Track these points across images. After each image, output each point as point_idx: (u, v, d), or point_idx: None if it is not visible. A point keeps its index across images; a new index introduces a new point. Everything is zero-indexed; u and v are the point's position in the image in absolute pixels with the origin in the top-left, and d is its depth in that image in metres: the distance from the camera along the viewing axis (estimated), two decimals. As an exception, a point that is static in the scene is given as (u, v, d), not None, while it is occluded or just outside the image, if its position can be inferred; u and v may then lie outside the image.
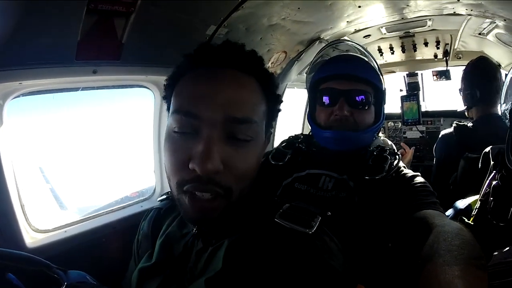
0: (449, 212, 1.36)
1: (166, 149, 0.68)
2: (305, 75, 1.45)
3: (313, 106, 1.31)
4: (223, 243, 0.71)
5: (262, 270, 0.63)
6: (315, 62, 1.42)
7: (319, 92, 1.26)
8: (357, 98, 1.20)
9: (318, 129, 1.26)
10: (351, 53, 1.38)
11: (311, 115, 1.32)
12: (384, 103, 1.31)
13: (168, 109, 0.74)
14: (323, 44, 2.22)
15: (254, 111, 0.68)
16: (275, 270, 0.62)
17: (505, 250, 0.91)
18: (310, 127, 1.35)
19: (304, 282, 0.60)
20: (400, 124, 3.35)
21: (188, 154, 0.63)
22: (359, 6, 1.88)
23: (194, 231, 0.77)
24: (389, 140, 2.36)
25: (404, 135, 3.38)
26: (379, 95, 1.26)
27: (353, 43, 1.46)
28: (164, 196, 0.97)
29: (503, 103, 1.36)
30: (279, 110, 0.82)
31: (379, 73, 1.29)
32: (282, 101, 0.82)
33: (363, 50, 1.40)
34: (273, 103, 0.77)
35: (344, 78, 1.20)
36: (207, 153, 0.61)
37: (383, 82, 1.30)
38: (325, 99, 1.23)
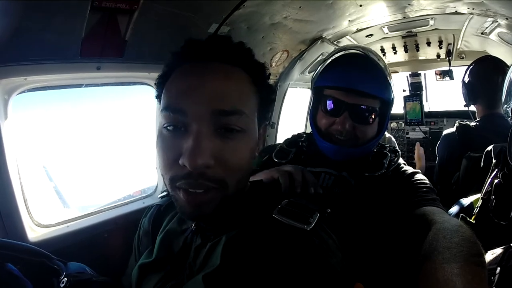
0: (454, 209, 1.35)
1: (158, 147, 0.68)
2: (307, 74, 1.42)
3: (316, 108, 1.25)
4: (221, 239, 0.71)
5: (259, 267, 0.63)
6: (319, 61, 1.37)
7: (323, 97, 1.20)
8: (361, 114, 1.15)
9: (317, 135, 1.22)
10: (360, 53, 1.25)
11: (313, 117, 1.27)
12: (390, 112, 1.24)
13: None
14: (325, 43, 2.23)
15: (243, 103, 0.68)
16: (272, 267, 0.62)
17: (492, 256, 0.91)
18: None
19: (301, 280, 0.60)
20: (403, 125, 3.33)
21: (178, 150, 0.63)
22: (361, 5, 1.88)
23: (192, 227, 0.78)
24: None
25: (407, 136, 3.36)
26: (386, 107, 1.21)
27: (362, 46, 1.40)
28: (165, 193, 0.97)
29: (504, 102, 1.36)
30: (273, 100, 0.81)
31: (389, 79, 1.20)
32: (275, 91, 0.81)
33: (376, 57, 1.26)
34: (265, 93, 0.76)
35: (352, 91, 1.13)
36: (196, 148, 0.61)
37: (392, 90, 1.21)
38: (329, 107, 1.18)
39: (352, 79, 1.13)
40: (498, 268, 0.85)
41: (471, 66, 2.07)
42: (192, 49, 0.71)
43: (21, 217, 1.19)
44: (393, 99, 1.23)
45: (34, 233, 1.24)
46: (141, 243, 0.91)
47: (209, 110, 0.63)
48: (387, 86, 1.18)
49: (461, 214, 1.23)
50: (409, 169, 1.21)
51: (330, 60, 1.26)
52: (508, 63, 2.02)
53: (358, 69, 1.16)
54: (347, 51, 1.26)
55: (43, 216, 1.29)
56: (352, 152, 1.18)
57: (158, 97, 0.75)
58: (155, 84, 0.77)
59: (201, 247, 0.75)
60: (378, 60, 1.23)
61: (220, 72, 0.68)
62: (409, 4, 1.98)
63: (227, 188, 0.66)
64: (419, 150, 2.27)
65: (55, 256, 0.81)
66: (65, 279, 0.73)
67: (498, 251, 0.93)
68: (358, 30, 2.38)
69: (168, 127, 0.66)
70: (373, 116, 1.17)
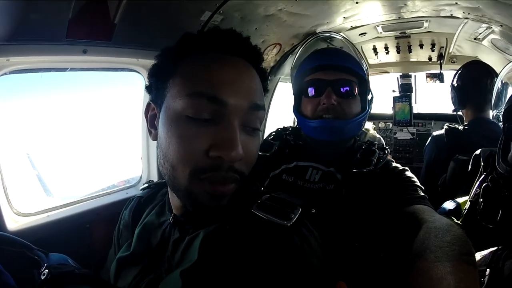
0: (449, 205, 1.37)
1: (175, 135, 0.64)
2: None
3: (299, 99, 1.31)
4: (199, 234, 0.69)
5: (237, 264, 0.61)
6: (300, 56, 1.43)
7: (304, 84, 1.26)
8: (343, 88, 1.22)
9: (305, 120, 1.26)
10: (332, 46, 1.43)
11: (296, 108, 1.32)
12: (369, 93, 1.33)
13: (152, 88, 0.73)
14: (318, 39, 2.21)
15: (263, 99, 0.72)
16: (249, 264, 0.60)
17: (479, 257, 0.92)
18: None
19: (278, 277, 0.58)
20: (391, 125, 3.38)
21: (207, 141, 0.62)
22: (357, 2, 1.88)
23: (170, 220, 0.76)
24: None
25: (394, 136, 3.41)
26: (364, 85, 1.29)
27: (340, 37, 1.48)
28: (146, 185, 0.97)
29: (495, 106, 1.37)
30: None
31: (362, 64, 1.32)
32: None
33: (347, 43, 1.45)
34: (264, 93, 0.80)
35: (330, 68, 1.22)
36: (234, 140, 0.61)
37: (367, 73, 1.33)
38: (312, 90, 1.24)
39: (328, 56, 1.28)
40: (488, 270, 0.86)
41: (460, 70, 2.09)
42: (218, 38, 0.70)
43: (-1, 205, 1.14)
44: (368, 78, 1.34)
45: (13, 223, 1.20)
46: (121, 236, 0.89)
47: (247, 104, 0.65)
48: (359, 63, 1.31)
49: (449, 216, 1.24)
50: (398, 166, 1.21)
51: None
52: (499, 70, 2.05)
53: (330, 49, 1.40)
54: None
55: (24, 205, 1.25)
56: (343, 126, 1.22)
57: (155, 75, 0.73)
58: (156, 57, 0.75)
59: (179, 241, 0.72)
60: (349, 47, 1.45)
61: (247, 68, 0.70)
62: (404, 5, 1.98)
63: (242, 181, 0.68)
64: None
65: (35, 245, 0.77)
66: (46, 270, 0.69)
67: (485, 252, 0.94)
68: (352, 28, 2.37)
69: (194, 115, 0.63)
70: (354, 90, 1.24)
